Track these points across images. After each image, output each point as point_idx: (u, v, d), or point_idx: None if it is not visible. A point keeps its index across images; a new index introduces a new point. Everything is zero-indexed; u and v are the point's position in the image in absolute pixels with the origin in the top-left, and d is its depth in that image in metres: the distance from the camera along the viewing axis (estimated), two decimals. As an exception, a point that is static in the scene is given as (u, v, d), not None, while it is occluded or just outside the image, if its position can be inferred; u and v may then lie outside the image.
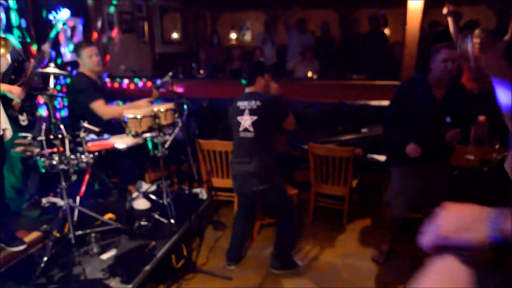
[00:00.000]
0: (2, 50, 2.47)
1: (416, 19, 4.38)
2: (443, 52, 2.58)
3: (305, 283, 3.07)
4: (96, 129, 2.69)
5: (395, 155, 3.15)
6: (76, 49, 3.40)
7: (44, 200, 2.88)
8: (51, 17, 3.71)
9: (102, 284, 2.40)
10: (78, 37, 4.91)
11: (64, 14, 3.25)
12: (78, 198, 2.91)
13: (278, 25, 8.17)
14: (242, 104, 2.85)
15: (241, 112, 2.83)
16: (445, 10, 4.15)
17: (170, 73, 3.17)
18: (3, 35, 2.53)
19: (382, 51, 6.27)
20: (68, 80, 3.79)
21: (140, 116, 2.92)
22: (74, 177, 2.79)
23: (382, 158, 4.30)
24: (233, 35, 8.71)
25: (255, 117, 2.78)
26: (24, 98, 3.00)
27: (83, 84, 3.30)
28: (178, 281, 2.98)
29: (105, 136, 2.96)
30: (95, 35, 5.16)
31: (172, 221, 3.06)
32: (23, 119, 3.17)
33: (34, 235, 2.91)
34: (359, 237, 3.76)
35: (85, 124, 2.66)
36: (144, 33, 6.57)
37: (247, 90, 2.92)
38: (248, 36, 8.85)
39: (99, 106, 3.27)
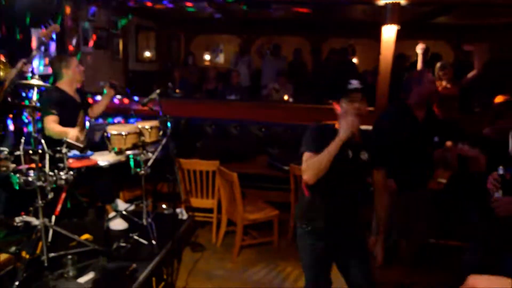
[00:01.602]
0: (1, 73, 2.31)
1: (389, 49, 4.57)
2: (429, 75, 2.77)
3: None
4: (80, 145, 2.55)
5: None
6: (58, 61, 3.24)
7: (17, 219, 2.66)
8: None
9: (82, 310, 2.22)
10: (51, 51, 4.72)
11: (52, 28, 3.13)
12: (53, 217, 2.71)
13: (251, 48, 8.32)
14: None
15: None
16: (419, 49, 4.44)
17: (158, 90, 3.10)
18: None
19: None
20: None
21: (125, 133, 2.81)
22: (50, 195, 2.61)
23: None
24: (207, 56, 8.73)
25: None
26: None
27: (49, 99, 3.09)
28: (158, 305, 2.83)
29: (88, 152, 2.81)
30: (70, 49, 4.98)
31: (154, 242, 2.92)
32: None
33: (2, 257, 2.67)
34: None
35: (68, 140, 2.52)
36: (119, 50, 6.43)
37: None
38: (221, 58, 8.91)
39: (46, 123, 3.05)
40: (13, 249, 2.71)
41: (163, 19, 7.52)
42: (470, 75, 4.58)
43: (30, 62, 3.12)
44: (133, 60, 6.94)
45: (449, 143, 4.42)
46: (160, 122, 3.18)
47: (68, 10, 4.87)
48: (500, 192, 1.99)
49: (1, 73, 2.33)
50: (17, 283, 2.33)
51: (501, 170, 2.02)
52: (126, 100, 4.81)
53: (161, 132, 3.19)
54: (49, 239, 2.67)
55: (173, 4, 5.87)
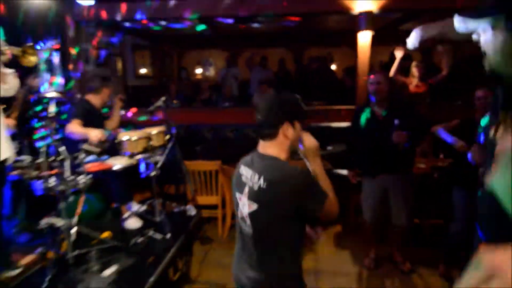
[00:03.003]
0: (33, 58, 2.28)
1: (365, 53, 4.74)
2: (371, 77, 3.06)
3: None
4: (97, 150, 2.60)
5: (360, 167, 3.34)
6: (101, 79, 3.35)
7: (42, 222, 2.68)
8: (38, 47, 3.58)
9: (110, 298, 2.26)
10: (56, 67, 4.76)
11: (50, 45, 3.18)
12: (75, 218, 2.74)
13: (238, 61, 8.43)
14: (245, 171, 1.57)
15: (242, 187, 1.55)
16: (398, 53, 4.59)
17: (163, 98, 3.17)
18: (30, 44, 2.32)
19: (333, 82, 6.68)
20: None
21: (135, 138, 2.87)
22: (71, 198, 2.66)
23: (344, 172, 4.50)
24: (199, 70, 8.82)
25: (254, 206, 1.48)
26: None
27: (78, 108, 3.22)
28: (176, 293, 2.88)
29: (104, 157, 2.86)
30: (70, 67, 5.01)
31: (168, 236, 2.97)
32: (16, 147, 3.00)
33: (29, 258, 2.68)
34: (333, 242, 3.86)
35: (85, 146, 2.57)
36: (117, 68, 6.49)
37: (261, 147, 1.58)
38: (211, 71, 9.00)
39: (69, 125, 3.10)
40: (39, 250, 2.73)
41: (156, 37, 7.59)
42: (440, 75, 4.77)
43: (38, 77, 3.17)
44: (132, 76, 6.98)
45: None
46: (166, 128, 3.24)
47: (68, 30, 4.91)
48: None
49: (33, 59, 2.30)
50: (47, 279, 2.36)
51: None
52: (134, 109, 4.88)
53: (167, 137, 3.25)
54: (72, 238, 2.71)
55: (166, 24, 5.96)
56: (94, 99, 3.30)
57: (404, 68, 4.84)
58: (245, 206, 1.52)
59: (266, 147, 1.55)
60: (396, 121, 2.94)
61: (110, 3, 5.09)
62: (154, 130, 3.11)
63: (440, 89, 5.01)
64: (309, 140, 1.58)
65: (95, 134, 2.92)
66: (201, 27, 6.20)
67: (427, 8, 4.73)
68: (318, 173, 1.56)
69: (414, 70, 4.69)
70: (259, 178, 1.47)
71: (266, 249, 1.53)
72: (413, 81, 4.72)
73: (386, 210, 3.16)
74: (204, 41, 8.27)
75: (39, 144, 3.23)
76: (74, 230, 2.69)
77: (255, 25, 6.16)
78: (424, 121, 3.22)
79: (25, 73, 3.36)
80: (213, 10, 4.83)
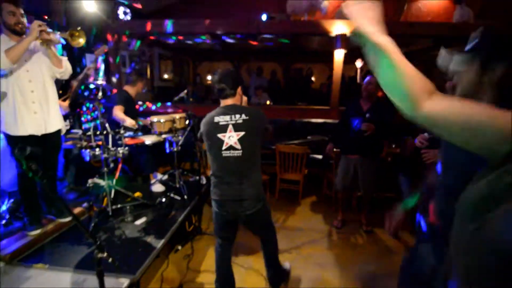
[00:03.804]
0: (81, 40, 2.13)
1: (339, 67, 4.74)
2: (370, 79, 2.95)
3: (280, 239, 3.09)
4: (135, 127, 2.57)
5: (340, 147, 3.34)
6: (135, 75, 3.32)
7: (89, 181, 2.65)
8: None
9: (141, 240, 2.25)
10: (100, 68, 4.69)
11: (103, 48, 3.12)
12: (114, 180, 2.72)
13: (240, 70, 8.38)
14: (222, 119, 1.79)
15: (223, 129, 1.78)
16: (358, 64, 4.62)
17: (185, 91, 3.14)
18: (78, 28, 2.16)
19: (313, 89, 6.69)
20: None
21: (163, 120, 2.85)
22: (112, 165, 2.63)
23: (320, 156, 4.53)
24: (209, 77, 8.73)
25: (242, 133, 1.77)
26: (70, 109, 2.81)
27: (120, 96, 3.17)
28: (190, 241, 2.88)
29: (139, 133, 2.83)
30: (112, 68, 4.94)
31: (186, 197, 2.97)
32: (66, 124, 2.95)
33: (77, 210, 2.66)
34: (310, 208, 3.89)
35: (125, 124, 2.54)
36: (147, 72, 6.39)
37: (226, 103, 1.84)
38: (219, 79, 8.92)
39: (115, 109, 3.07)
40: (85, 204, 2.71)
41: (177, 49, 7.49)
42: None
43: (92, 68, 3.12)
44: (157, 79, 6.89)
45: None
46: (186, 114, 3.22)
47: (109, 37, 4.82)
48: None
49: (82, 40, 2.12)
50: (92, 224, 2.35)
51: (427, 134, 2.22)
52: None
53: (187, 122, 3.22)
54: (112, 196, 2.69)
55: (186, 39, 5.89)
56: (131, 90, 3.25)
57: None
58: (232, 137, 1.78)
59: (229, 102, 1.85)
60: (367, 115, 2.94)
61: (142, 20, 5.01)
62: (177, 115, 3.09)
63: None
64: (245, 98, 1.98)
65: (130, 122, 2.88)
66: (212, 42, 6.12)
67: (388, 33, 4.74)
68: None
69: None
70: (240, 115, 1.79)
71: (250, 164, 1.82)
72: None
73: (355, 183, 3.17)
74: (214, 54, 8.18)
75: (87, 125, 3.20)
76: (113, 190, 2.68)
77: (254, 43, 6.11)
78: (393, 121, 3.20)
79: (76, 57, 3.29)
80: (222, 27, 4.79)
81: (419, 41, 5.56)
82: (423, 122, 0.70)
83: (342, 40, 4.59)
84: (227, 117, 1.79)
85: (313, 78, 8.32)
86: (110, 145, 2.52)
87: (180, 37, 5.73)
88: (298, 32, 4.82)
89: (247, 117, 1.78)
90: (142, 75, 3.35)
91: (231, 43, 6.25)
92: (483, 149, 0.65)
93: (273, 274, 2.17)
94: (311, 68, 8.24)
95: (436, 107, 0.68)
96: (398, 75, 0.71)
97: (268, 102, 5.77)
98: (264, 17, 4.92)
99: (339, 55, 4.70)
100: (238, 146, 1.77)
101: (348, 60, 4.87)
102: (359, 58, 4.48)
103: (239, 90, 1.86)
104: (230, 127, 1.78)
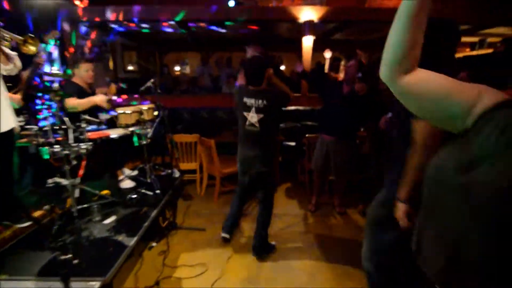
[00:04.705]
0: (33, 48, 2.02)
1: (308, 54, 4.76)
2: (352, 62, 2.99)
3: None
4: (97, 120, 2.38)
5: (319, 128, 3.31)
6: (76, 62, 2.97)
7: (49, 181, 2.43)
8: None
9: (111, 240, 2.11)
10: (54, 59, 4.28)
11: (53, 34, 2.83)
12: (78, 179, 2.52)
13: (209, 60, 8.17)
14: (249, 101, 2.30)
15: (248, 109, 2.31)
16: (327, 54, 4.61)
17: (152, 80, 2.96)
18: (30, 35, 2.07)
19: (285, 77, 6.69)
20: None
21: (129, 111, 2.67)
22: (74, 162, 2.42)
23: (293, 143, 4.56)
24: (177, 68, 8.41)
25: (261, 115, 2.27)
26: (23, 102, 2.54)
27: (69, 88, 2.86)
28: (165, 236, 2.78)
29: (103, 126, 2.63)
30: (69, 58, 4.54)
31: (158, 191, 2.84)
32: (20, 120, 2.67)
33: (37, 213, 2.44)
34: (285, 194, 3.92)
35: (86, 116, 2.34)
36: (109, 62, 6.00)
37: (253, 88, 2.31)
38: (187, 69, 8.63)
39: (68, 101, 2.80)
40: (47, 207, 2.49)
41: (142, 39, 7.09)
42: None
43: (41, 56, 2.82)
44: (121, 71, 6.50)
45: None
46: (154, 105, 3.05)
47: (64, 24, 4.40)
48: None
49: (33, 48, 2.06)
50: (55, 227, 2.16)
51: (389, 114, 2.27)
52: (124, 96, 4.54)
53: (155, 113, 3.06)
54: (76, 195, 2.49)
55: (150, 29, 5.58)
56: (80, 80, 2.95)
57: (334, 66, 4.92)
58: (253, 117, 2.31)
59: (257, 88, 2.31)
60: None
61: (101, 6, 4.64)
62: (144, 106, 2.91)
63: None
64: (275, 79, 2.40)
65: (100, 99, 2.67)
66: (180, 31, 5.85)
67: (354, 19, 4.83)
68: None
69: (343, 69, 4.76)
70: (262, 101, 2.27)
71: (265, 139, 2.37)
72: (340, 75, 4.79)
73: (328, 166, 3.19)
74: (182, 44, 7.87)
75: (41, 123, 2.91)
76: (77, 189, 2.49)
77: (223, 30, 5.94)
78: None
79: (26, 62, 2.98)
80: (188, 14, 4.58)
81: (384, 27, 5.72)
82: (398, 91, 0.75)
83: (310, 26, 4.59)
84: (253, 100, 2.29)
85: (283, 67, 8.31)
86: (71, 141, 2.31)
87: (144, 25, 5.41)
88: (267, 18, 4.74)
89: (267, 103, 2.25)
90: (84, 57, 3.06)
91: (199, 32, 6.03)
92: (447, 121, 0.71)
93: (258, 244, 2.57)
94: (281, 57, 8.22)
95: (411, 78, 0.73)
96: (396, 40, 0.74)
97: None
98: (231, 3, 4.77)
99: (307, 41, 4.71)
100: (257, 125, 2.31)
101: (317, 48, 4.89)
102: (327, 49, 4.50)
103: (265, 78, 2.29)
104: (253, 109, 2.29)
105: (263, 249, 2.58)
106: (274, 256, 2.55)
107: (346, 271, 2.38)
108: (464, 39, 7.23)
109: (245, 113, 2.34)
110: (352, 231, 3.00)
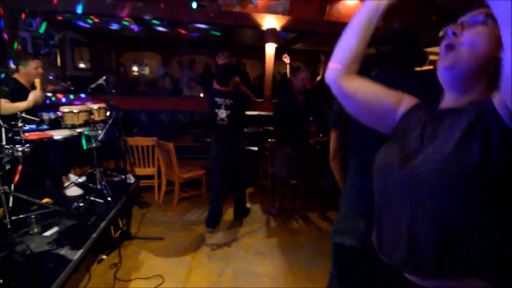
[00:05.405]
0: None
1: (271, 61, 4.80)
2: (303, 74, 3.01)
3: (219, 232, 2.99)
4: (36, 119, 2.10)
5: (278, 140, 3.36)
6: (23, 59, 2.62)
7: (-25, 189, 2.07)
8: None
9: (52, 254, 1.86)
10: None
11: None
12: (12, 186, 2.20)
13: (171, 62, 7.89)
14: (219, 100, 2.78)
15: (219, 107, 2.78)
16: (286, 59, 4.70)
17: (104, 77, 2.72)
18: None
19: (249, 82, 6.71)
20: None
21: (76, 111, 2.42)
22: (8, 166, 2.12)
23: (255, 148, 4.54)
24: (135, 68, 7.96)
25: (229, 111, 2.75)
26: None
27: (6, 85, 2.53)
28: (117, 248, 2.54)
29: (44, 126, 2.34)
30: (9, 52, 4.03)
31: (109, 199, 2.60)
32: None
33: (-41, 227, 2.07)
34: (247, 199, 3.86)
35: (23, 114, 2.06)
36: (56, 58, 5.46)
37: (223, 89, 2.80)
38: (147, 70, 8.21)
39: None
40: (-29, 218, 2.13)
41: (95, 35, 6.60)
42: (318, 78, 5.09)
43: None
44: (71, 68, 5.96)
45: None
46: (107, 105, 2.81)
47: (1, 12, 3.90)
48: None
49: None
50: (-19, 242, 1.85)
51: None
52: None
53: (108, 113, 2.82)
54: (10, 204, 2.17)
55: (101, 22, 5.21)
56: (22, 77, 2.64)
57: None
58: (223, 113, 2.77)
59: (223, 89, 2.80)
60: (311, 118, 3.22)
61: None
62: (95, 106, 2.67)
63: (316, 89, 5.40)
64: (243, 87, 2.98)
65: (32, 97, 2.36)
66: (137, 28, 5.55)
67: (313, 30, 5.01)
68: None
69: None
70: (230, 100, 2.75)
71: (233, 131, 2.86)
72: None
73: (290, 171, 3.26)
74: (140, 43, 7.50)
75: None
76: (11, 197, 2.17)
77: (184, 31, 5.78)
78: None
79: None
80: (146, 12, 4.35)
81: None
82: (340, 92, 0.86)
83: (273, 34, 4.66)
84: (222, 100, 2.77)
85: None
86: (4, 142, 2.01)
87: (96, 20, 5.03)
88: (230, 23, 4.70)
89: (233, 102, 2.74)
90: (31, 54, 2.76)
91: (159, 31, 5.78)
92: (376, 122, 0.86)
93: (236, 208, 3.24)
94: (244, 63, 8.24)
95: (353, 82, 0.85)
96: (345, 45, 0.86)
97: (201, 95, 5.54)
98: (194, 4, 4.66)
99: (270, 49, 4.76)
100: (226, 120, 2.77)
101: (280, 57, 4.96)
102: (285, 54, 4.59)
103: (232, 81, 2.81)
104: (223, 106, 2.76)
105: (239, 212, 3.25)
106: (237, 263, 2.47)
107: (309, 273, 2.38)
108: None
109: (216, 110, 2.78)
110: (313, 234, 3.04)
